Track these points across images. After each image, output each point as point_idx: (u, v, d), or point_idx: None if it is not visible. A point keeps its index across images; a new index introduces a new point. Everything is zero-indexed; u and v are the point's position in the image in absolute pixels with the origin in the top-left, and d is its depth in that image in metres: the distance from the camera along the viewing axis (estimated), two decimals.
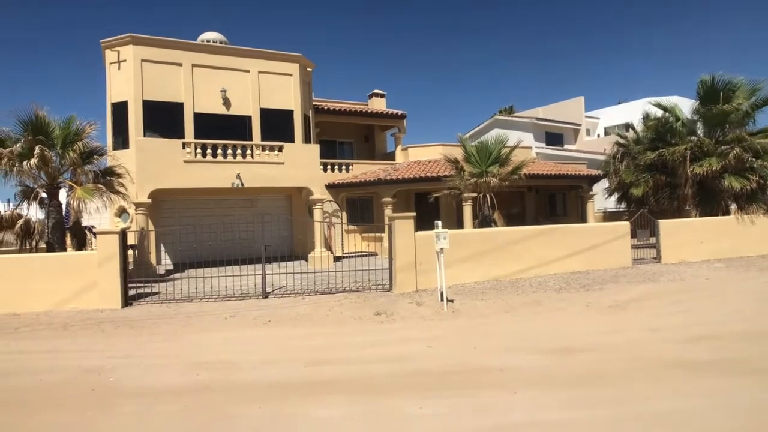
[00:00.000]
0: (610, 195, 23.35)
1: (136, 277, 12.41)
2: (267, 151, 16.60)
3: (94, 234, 11.98)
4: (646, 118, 21.25)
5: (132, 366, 6.57)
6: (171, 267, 16.64)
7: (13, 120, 12.09)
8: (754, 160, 17.37)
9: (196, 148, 15.62)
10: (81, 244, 13.89)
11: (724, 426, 4.42)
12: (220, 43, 19.31)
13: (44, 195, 12.80)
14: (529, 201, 25.49)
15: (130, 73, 16.54)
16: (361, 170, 21.80)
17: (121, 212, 16.70)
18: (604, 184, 23.87)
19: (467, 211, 18.18)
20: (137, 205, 14.86)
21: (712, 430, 4.34)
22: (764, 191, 17.53)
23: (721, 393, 5.14)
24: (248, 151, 16.36)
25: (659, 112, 20.21)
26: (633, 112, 28.48)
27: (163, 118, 16.88)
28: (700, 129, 18.94)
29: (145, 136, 16.23)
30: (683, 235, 15.70)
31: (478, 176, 15.55)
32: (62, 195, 13.24)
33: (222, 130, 17.23)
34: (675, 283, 11.91)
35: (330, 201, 20.56)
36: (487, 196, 15.43)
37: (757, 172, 17.18)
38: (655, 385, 5.38)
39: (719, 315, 8.82)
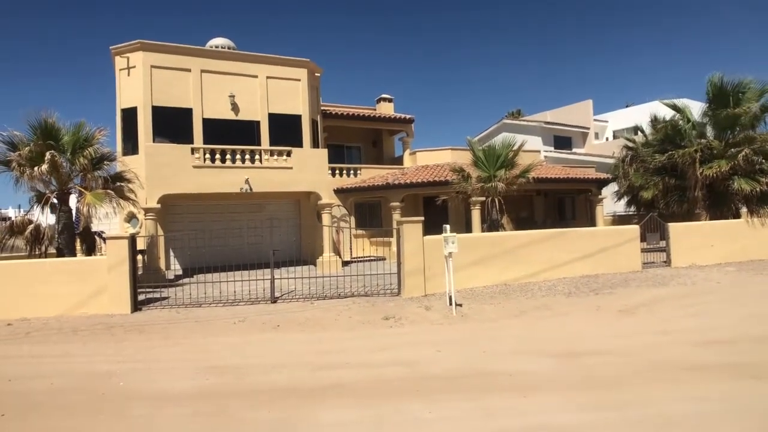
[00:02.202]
0: (619, 198, 23.21)
1: (146, 282, 12.49)
2: (275, 156, 16.68)
3: (104, 239, 12.07)
4: (655, 120, 21.13)
5: (142, 370, 6.60)
6: (180, 272, 16.72)
7: (24, 126, 12.27)
8: (764, 161, 17.22)
9: (204, 154, 15.73)
10: (90, 250, 13.98)
11: (737, 430, 4.36)
12: (229, 48, 19.43)
13: (55, 200, 12.92)
14: (537, 205, 25.41)
15: (140, 79, 16.67)
16: (369, 175, 21.86)
17: (131, 217, 16.81)
18: (613, 187, 23.74)
19: (476, 215, 18.12)
20: (146, 211, 14.95)
21: None
22: None
23: (733, 397, 5.08)
24: (257, 156, 16.43)
25: (668, 115, 20.08)
26: (641, 115, 28.33)
27: (172, 124, 16.99)
28: (709, 131, 18.79)
29: (154, 141, 16.34)
30: (693, 238, 15.56)
31: (486, 180, 15.51)
32: (72, 200, 13.36)
33: (230, 135, 17.32)
34: (686, 287, 11.79)
35: (338, 206, 20.61)
36: (496, 200, 15.36)
37: (767, 174, 17.02)
38: (666, 389, 5.32)
39: (731, 319, 8.72)
